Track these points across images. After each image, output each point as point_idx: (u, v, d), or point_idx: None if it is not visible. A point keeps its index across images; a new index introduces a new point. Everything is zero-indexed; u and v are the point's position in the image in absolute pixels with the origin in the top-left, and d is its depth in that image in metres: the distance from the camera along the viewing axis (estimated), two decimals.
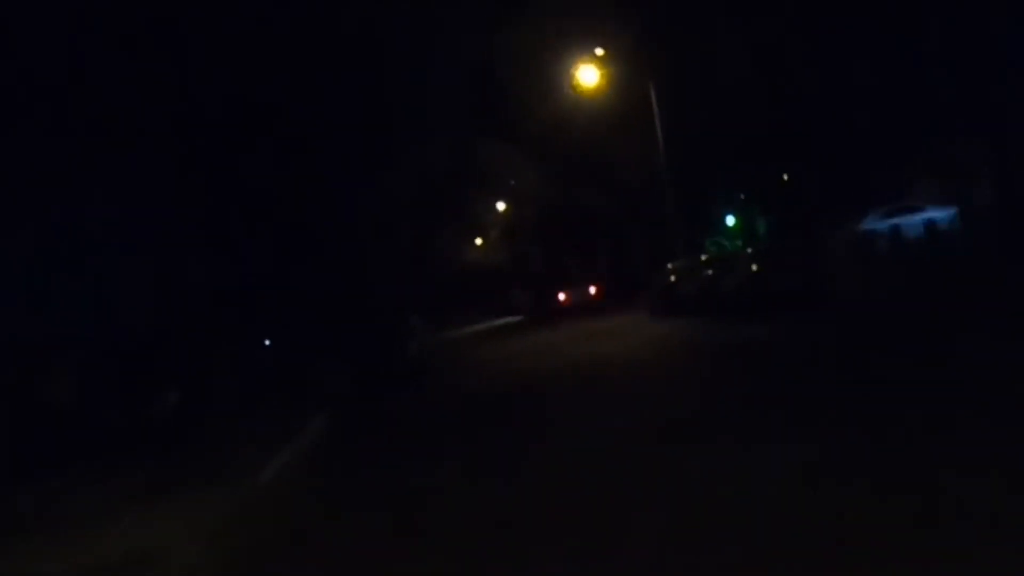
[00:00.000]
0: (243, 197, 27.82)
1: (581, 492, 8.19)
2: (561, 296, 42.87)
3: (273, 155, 27.80)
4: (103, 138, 24.00)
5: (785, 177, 36.63)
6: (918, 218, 30.50)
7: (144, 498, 12.05)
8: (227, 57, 25.31)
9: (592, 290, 42.15)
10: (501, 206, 58.91)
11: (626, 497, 7.73)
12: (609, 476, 8.54)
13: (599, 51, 34.11)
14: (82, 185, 24.91)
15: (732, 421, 9.85)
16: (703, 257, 27.06)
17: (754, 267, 22.34)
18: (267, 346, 33.99)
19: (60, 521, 11.64)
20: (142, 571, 8.20)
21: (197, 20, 24.39)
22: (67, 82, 22.56)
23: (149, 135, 24.85)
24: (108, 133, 24.01)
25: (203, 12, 24.26)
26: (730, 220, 33.78)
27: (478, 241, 64.56)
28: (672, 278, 27.92)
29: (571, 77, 34.67)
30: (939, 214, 31.65)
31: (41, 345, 25.23)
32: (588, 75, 33.98)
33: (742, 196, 36.70)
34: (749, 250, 24.68)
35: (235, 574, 8.25)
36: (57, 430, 22.63)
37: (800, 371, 12.16)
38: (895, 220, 30.46)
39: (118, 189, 25.35)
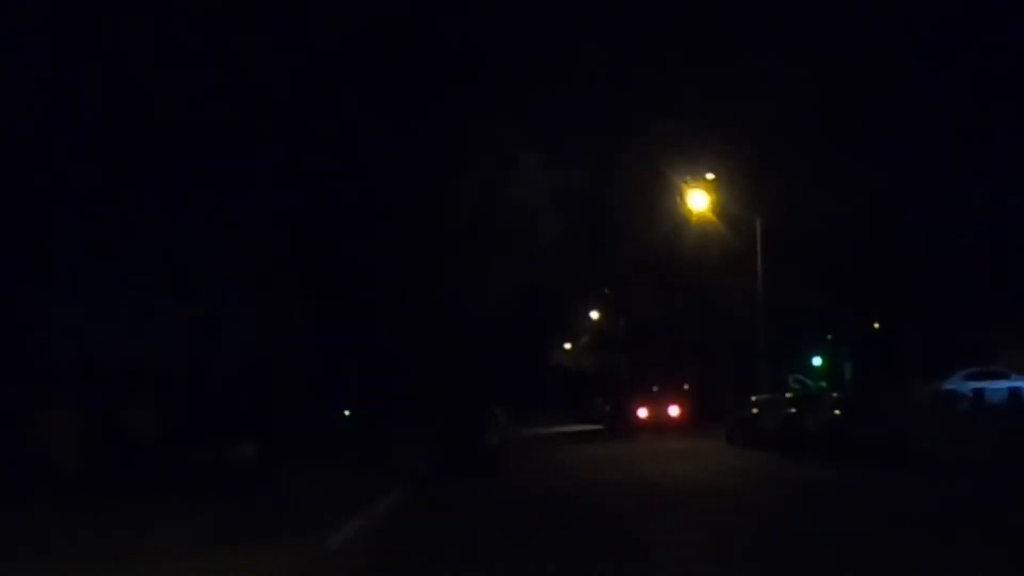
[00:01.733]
0: (356, 269, 28.67)
1: None
2: (643, 412, 43.09)
3: (391, 241, 28.77)
4: (225, 182, 24.88)
5: (876, 326, 36.74)
6: (1003, 385, 30.27)
7: (211, 544, 12.29)
8: (358, 142, 26.41)
9: (674, 410, 42.34)
10: (595, 315, 59.56)
11: None
12: None
13: (710, 176, 34.79)
14: (199, 229, 25.85)
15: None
16: (788, 394, 27.30)
17: (836, 411, 22.58)
18: (346, 416, 34.64)
19: (126, 554, 11.82)
20: None
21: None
22: (193, 119, 23.40)
23: (275, 194, 25.75)
24: (230, 180, 24.88)
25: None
26: (817, 360, 33.90)
27: (567, 345, 65.17)
28: (755, 410, 28.19)
29: (680, 198, 35.38)
30: None
31: (131, 377, 26.10)
32: (697, 199, 34.71)
33: (828, 337, 36.85)
34: (835, 395, 24.90)
35: None
36: (134, 461, 23.50)
37: (875, 527, 11.99)
38: (979, 384, 30.28)
39: (234, 238, 26.29)
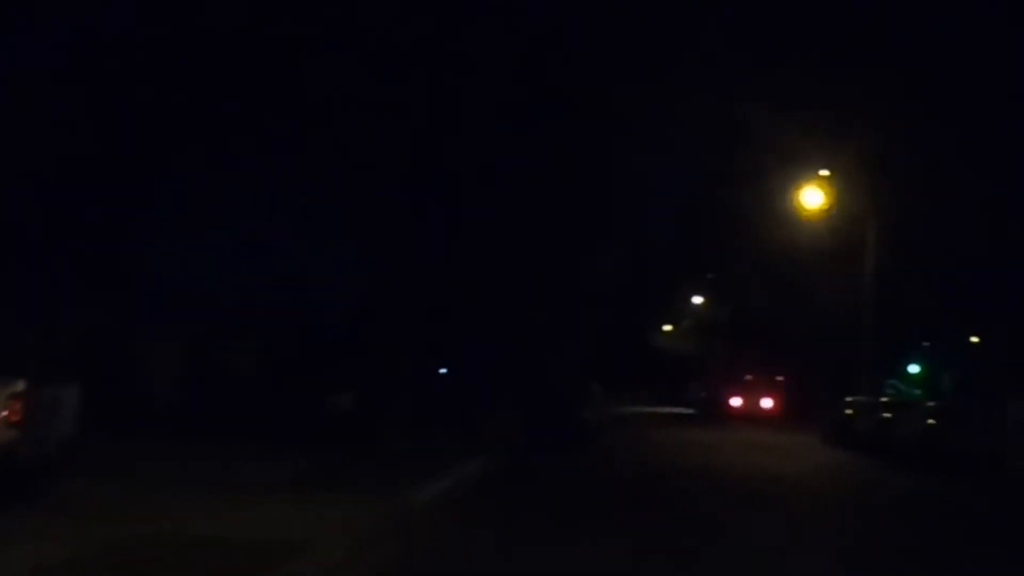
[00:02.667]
0: (472, 233, 29.05)
1: None
2: (736, 401, 43.33)
3: (509, 210, 29.18)
4: (351, 113, 25.10)
5: (975, 339, 36.31)
6: None
7: (300, 487, 12.70)
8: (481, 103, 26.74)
9: (768, 403, 42.50)
10: (698, 300, 59.74)
11: None
12: None
13: (824, 172, 34.69)
14: (313, 164, 26.14)
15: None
16: (884, 399, 27.36)
17: (931, 421, 22.69)
18: (442, 375, 35.27)
19: (216, 488, 12.24)
20: (284, 554, 8.42)
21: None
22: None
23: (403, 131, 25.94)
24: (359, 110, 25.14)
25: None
26: (914, 368, 33.67)
27: (667, 327, 65.45)
28: (849, 411, 28.36)
29: (794, 195, 35.39)
30: None
31: (236, 313, 26.09)
32: (812, 197, 34.70)
33: (926, 344, 36.51)
34: (931, 404, 24.92)
35: None
36: (234, 397, 23.57)
37: (967, 543, 11.81)
38: None
39: (353, 180, 26.59)
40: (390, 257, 27.61)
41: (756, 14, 34.43)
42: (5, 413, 10.25)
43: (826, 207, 34.52)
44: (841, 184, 34.34)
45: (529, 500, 14.73)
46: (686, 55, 31.81)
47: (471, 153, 27.07)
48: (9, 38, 20.05)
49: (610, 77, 29.23)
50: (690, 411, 49.82)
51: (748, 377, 45.58)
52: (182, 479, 12.95)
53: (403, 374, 28.00)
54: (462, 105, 25.95)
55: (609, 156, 33.65)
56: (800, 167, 35.02)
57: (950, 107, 32.46)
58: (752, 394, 43.39)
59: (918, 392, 28.46)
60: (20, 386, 10.45)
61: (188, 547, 8.60)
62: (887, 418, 25.46)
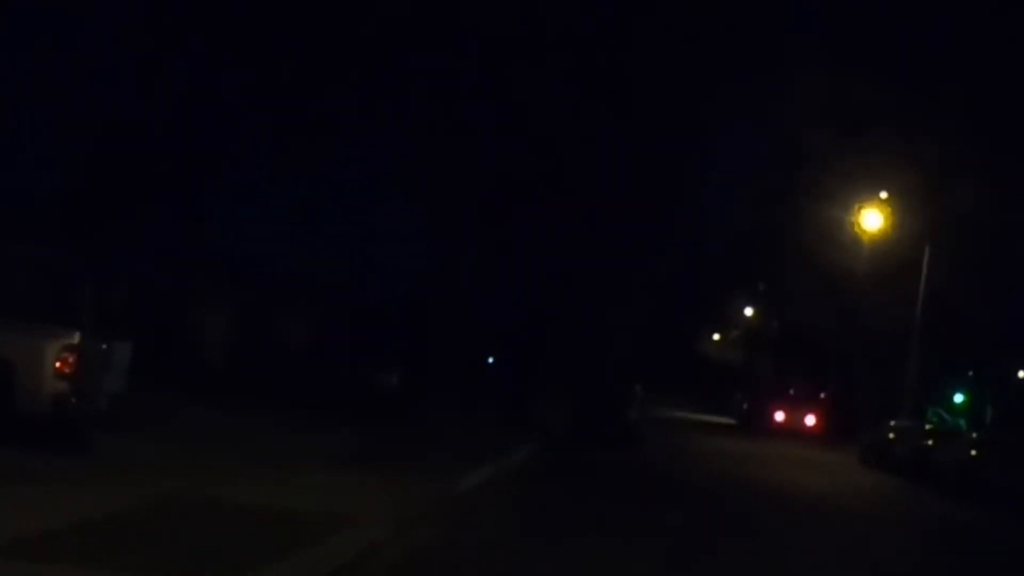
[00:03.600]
0: (532, 225, 29.23)
1: None
2: (779, 415, 43.28)
3: (569, 211, 29.45)
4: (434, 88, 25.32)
5: (1021, 375, 36.14)
6: None
7: (346, 465, 12.74)
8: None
9: (810, 419, 42.44)
10: (748, 311, 59.74)
11: None
12: None
13: (883, 194, 34.70)
14: (388, 142, 26.30)
15: None
16: (927, 426, 27.45)
17: (973, 452, 22.80)
18: (489, 364, 35.61)
19: (268, 457, 12.33)
20: (327, 528, 8.45)
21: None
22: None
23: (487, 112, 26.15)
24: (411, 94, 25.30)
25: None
26: (959, 397, 33.63)
27: (716, 336, 65.48)
28: (891, 435, 28.47)
29: (854, 216, 35.45)
30: None
31: (289, 284, 26.37)
32: (870, 218, 34.77)
33: (970, 374, 36.42)
34: (975, 435, 25.01)
35: (415, 559, 8.68)
36: (283, 368, 23.86)
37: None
38: None
39: (429, 162, 26.76)
40: (450, 244, 27.96)
41: (825, 35, 34.58)
42: (58, 364, 10.34)
43: (884, 228, 34.54)
44: (900, 206, 34.33)
45: (568, 494, 14.89)
46: (757, 75, 32.06)
47: (539, 150, 27.38)
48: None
49: (683, 89, 29.55)
50: (731, 421, 49.75)
51: (792, 392, 45.50)
52: (229, 445, 13.05)
53: (452, 359, 28.32)
54: (533, 103, 26.26)
55: (676, 165, 33.94)
56: (860, 188, 35.08)
57: (1014, 130, 32.33)
58: (795, 409, 43.30)
59: (961, 421, 28.54)
60: (75, 338, 10.49)
61: (233, 512, 8.64)
62: (928, 445, 25.56)
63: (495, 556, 9.30)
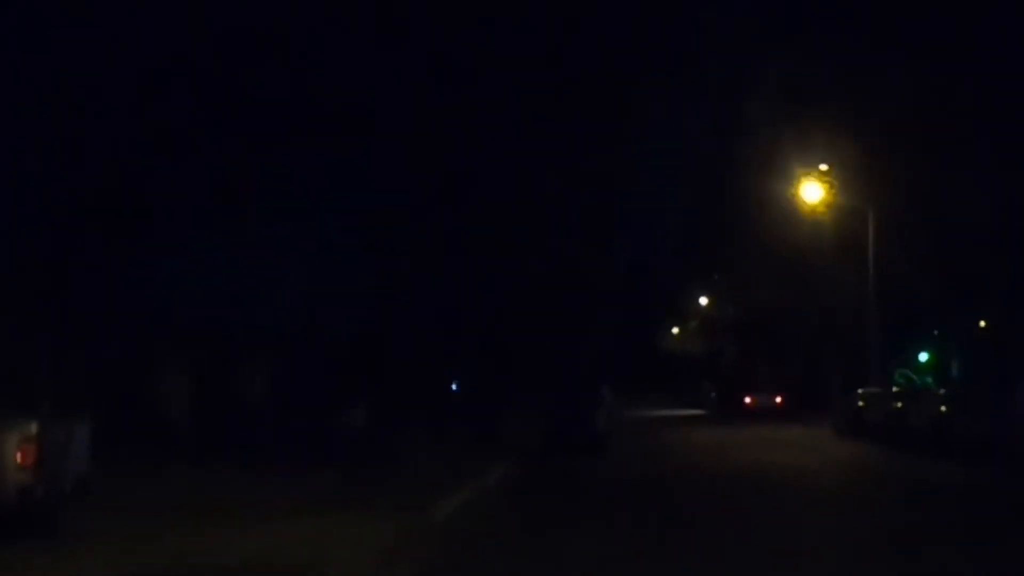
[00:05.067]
0: (476, 244, 29.02)
1: None
2: (748, 399, 43.38)
3: (511, 217, 29.21)
4: (336, 136, 25.15)
5: (982, 324, 36.34)
6: None
7: (318, 508, 12.52)
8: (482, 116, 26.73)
9: (779, 399, 42.57)
10: (704, 301, 59.85)
11: None
12: None
13: (824, 167, 34.81)
14: (318, 181, 26.04)
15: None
16: (894, 389, 27.48)
17: (943, 408, 22.78)
18: (454, 390, 35.30)
19: (238, 511, 12.25)
20: (303, 573, 8.55)
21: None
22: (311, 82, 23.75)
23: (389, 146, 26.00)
24: (342, 135, 25.15)
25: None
26: (923, 356, 33.81)
27: (675, 330, 65.51)
28: (861, 403, 28.48)
29: (793, 190, 35.50)
30: None
31: (245, 337, 25.97)
32: (811, 191, 34.83)
33: (935, 332, 36.65)
34: (941, 391, 25.02)
35: None
36: (245, 421, 23.49)
37: (980, 531, 11.67)
38: None
39: (357, 195, 26.55)
40: (397, 272, 27.68)
41: (752, 9, 34.64)
42: (19, 457, 10.21)
43: (826, 201, 34.65)
44: (841, 177, 34.45)
45: (545, 511, 14.64)
46: (683, 55, 31.97)
47: (475, 162, 27.17)
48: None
49: (612, 77, 29.33)
50: (702, 411, 49.84)
51: (758, 374, 45.66)
52: (199, 506, 12.92)
53: (416, 388, 28.03)
54: (465, 116, 26.05)
55: (612, 161, 33.78)
56: (801, 162, 35.17)
57: (946, 91, 32.51)
58: (763, 391, 43.47)
59: (929, 380, 28.64)
60: (34, 428, 10.37)
61: (213, 573, 8.67)
62: (899, 408, 25.55)
63: None
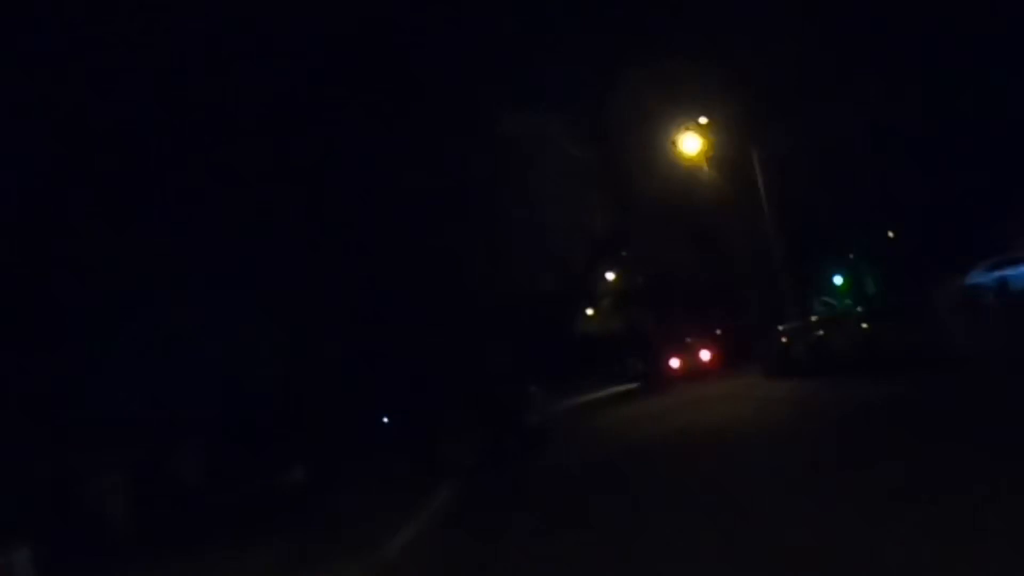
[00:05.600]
0: (371, 266, 28.69)
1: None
2: (675, 362, 43.15)
3: (395, 232, 28.80)
4: (234, 208, 24.97)
5: (891, 235, 36.73)
6: None
7: (272, 574, 12.39)
8: (358, 143, 26.34)
9: (706, 355, 42.38)
10: (610, 276, 59.70)
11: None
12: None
13: (703, 119, 34.80)
14: (212, 262, 25.96)
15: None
16: (813, 318, 27.31)
17: (864, 326, 22.59)
18: (386, 424, 34.79)
19: None
20: None
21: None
22: (205, 155, 23.50)
23: (283, 214, 25.81)
24: (241, 210, 24.98)
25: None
26: (838, 279, 33.98)
27: (589, 311, 65.21)
28: (784, 340, 28.20)
29: (673, 145, 35.44)
30: None
31: (171, 423, 26.24)
32: (690, 143, 34.78)
33: (850, 256, 36.90)
34: (859, 309, 24.88)
35: None
36: (185, 507, 23.68)
37: (933, 427, 12.03)
38: (1001, 273, 29.94)
39: (248, 266, 26.40)
40: (302, 326, 27.36)
41: None
42: None
43: (706, 150, 34.61)
44: (721, 124, 34.50)
45: (493, 524, 14.25)
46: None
47: (349, 186, 26.75)
48: None
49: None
50: (634, 385, 49.55)
51: (680, 336, 45.45)
52: None
53: (346, 431, 27.72)
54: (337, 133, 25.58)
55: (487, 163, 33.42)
56: (679, 117, 35.13)
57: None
58: (688, 352, 43.24)
59: (848, 302, 28.57)
60: None
61: None
62: (821, 336, 25.33)
63: None
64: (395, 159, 27.58)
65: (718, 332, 44.41)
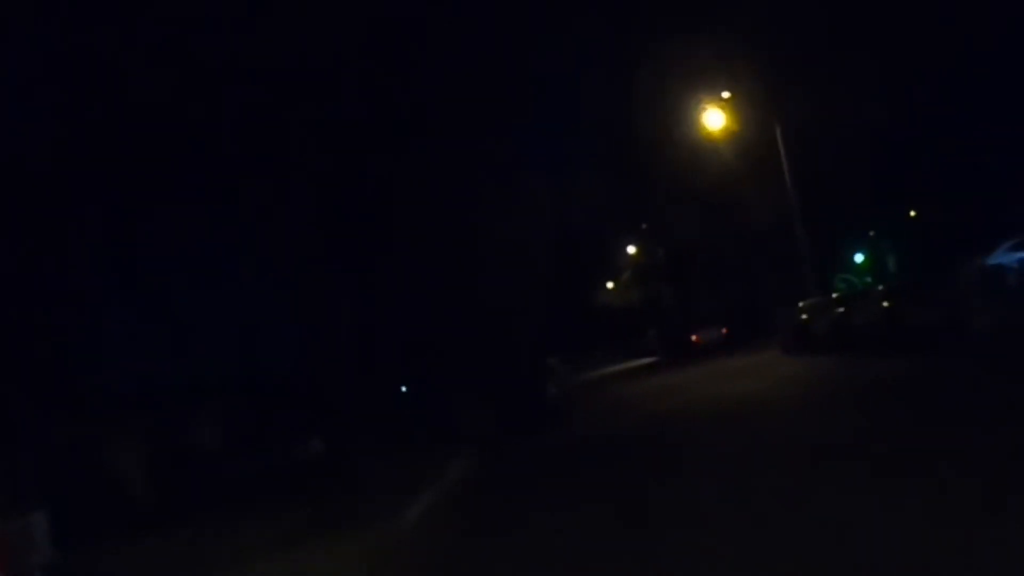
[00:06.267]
0: (383, 243, 28.67)
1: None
2: (694, 337, 43.23)
3: (416, 200, 28.74)
4: (250, 179, 24.95)
5: (913, 213, 36.53)
6: None
7: (290, 542, 12.36)
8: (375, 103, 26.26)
9: (725, 330, 42.46)
10: (631, 249, 59.70)
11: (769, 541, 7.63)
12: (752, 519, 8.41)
13: (725, 94, 34.66)
14: (227, 232, 25.99)
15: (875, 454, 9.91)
16: (834, 295, 27.29)
17: (885, 303, 22.55)
18: (404, 393, 34.86)
19: (210, 561, 12.25)
20: None
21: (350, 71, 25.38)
22: (213, 123, 23.43)
23: (301, 175, 25.71)
24: (256, 175, 24.95)
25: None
26: (859, 257, 33.87)
27: (610, 285, 65.26)
28: (804, 316, 28.19)
29: (697, 121, 35.31)
30: None
31: (189, 390, 26.35)
32: (714, 118, 34.64)
33: (871, 233, 36.73)
34: (880, 287, 24.85)
35: None
36: (203, 474, 23.74)
37: (952, 406, 11.96)
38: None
39: (264, 235, 26.39)
40: (320, 294, 27.33)
41: None
42: None
43: (730, 126, 34.49)
44: (744, 100, 34.36)
45: (512, 496, 14.26)
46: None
47: (378, 158, 26.70)
48: None
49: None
50: (652, 359, 49.67)
51: (700, 310, 45.55)
52: (171, 571, 12.71)
53: (365, 401, 27.71)
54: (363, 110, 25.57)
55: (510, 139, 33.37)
56: (703, 93, 35.02)
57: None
58: (707, 326, 43.31)
59: (869, 280, 28.52)
60: None
61: None
62: (842, 313, 25.30)
63: None
64: (417, 134, 27.54)
65: (735, 307, 44.46)
